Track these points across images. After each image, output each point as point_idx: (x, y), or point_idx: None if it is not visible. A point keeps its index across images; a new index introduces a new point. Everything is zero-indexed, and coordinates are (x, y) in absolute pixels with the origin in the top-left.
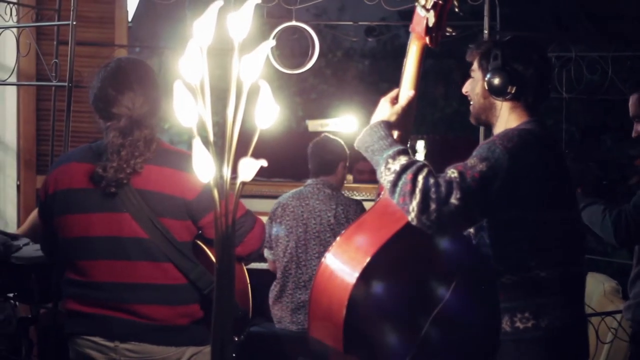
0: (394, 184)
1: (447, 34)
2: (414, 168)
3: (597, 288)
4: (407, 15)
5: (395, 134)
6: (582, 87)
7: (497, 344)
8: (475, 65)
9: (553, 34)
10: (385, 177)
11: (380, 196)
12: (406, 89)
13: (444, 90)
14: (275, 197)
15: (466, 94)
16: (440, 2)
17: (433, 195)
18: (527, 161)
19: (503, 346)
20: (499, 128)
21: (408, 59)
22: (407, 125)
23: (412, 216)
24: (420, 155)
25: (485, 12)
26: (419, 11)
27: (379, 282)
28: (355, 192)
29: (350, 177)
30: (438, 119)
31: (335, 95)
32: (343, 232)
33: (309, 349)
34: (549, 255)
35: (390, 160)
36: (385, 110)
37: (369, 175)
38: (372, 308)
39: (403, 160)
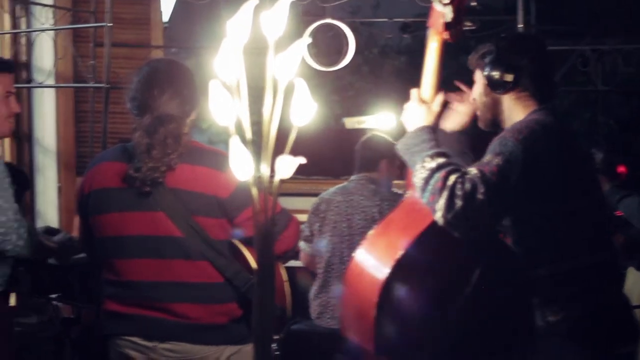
0: (427, 181)
1: (467, 28)
2: (449, 168)
3: (638, 282)
4: None
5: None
6: (618, 80)
7: (527, 339)
8: (477, 71)
9: (588, 26)
10: (419, 174)
11: (407, 194)
12: (430, 88)
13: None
14: (314, 194)
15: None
16: None
17: (459, 192)
18: (539, 150)
19: (539, 342)
20: (507, 123)
21: (428, 55)
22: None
23: (438, 215)
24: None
25: (520, 6)
26: (437, 6)
27: (409, 280)
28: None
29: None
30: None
31: (372, 92)
32: (374, 228)
33: (346, 346)
34: (574, 245)
35: (427, 159)
36: (423, 114)
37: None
38: (402, 307)
39: (440, 160)
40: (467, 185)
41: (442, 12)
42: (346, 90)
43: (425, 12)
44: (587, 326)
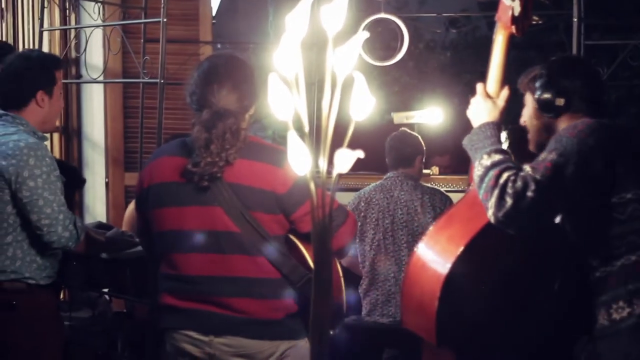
0: (482, 179)
1: (534, 22)
2: (503, 166)
3: None
4: (487, 7)
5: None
6: None
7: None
8: (527, 95)
9: (637, 20)
10: (477, 171)
11: (469, 188)
12: (495, 82)
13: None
14: (360, 189)
15: (524, 125)
16: None
17: (510, 191)
18: (596, 144)
19: (604, 341)
20: None
21: (494, 49)
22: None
23: (489, 213)
24: (503, 146)
25: (575, 0)
26: (505, 0)
27: (471, 273)
28: (441, 184)
29: (435, 169)
30: (519, 111)
31: (418, 87)
32: (435, 222)
33: (398, 340)
34: (636, 238)
35: (485, 156)
36: (489, 109)
37: (451, 168)
38: (464, 300)
39: (496, 157)
40: (518, 184)
41: (511, 5)
42: (392, 85)
43: (471, 6)
44: None
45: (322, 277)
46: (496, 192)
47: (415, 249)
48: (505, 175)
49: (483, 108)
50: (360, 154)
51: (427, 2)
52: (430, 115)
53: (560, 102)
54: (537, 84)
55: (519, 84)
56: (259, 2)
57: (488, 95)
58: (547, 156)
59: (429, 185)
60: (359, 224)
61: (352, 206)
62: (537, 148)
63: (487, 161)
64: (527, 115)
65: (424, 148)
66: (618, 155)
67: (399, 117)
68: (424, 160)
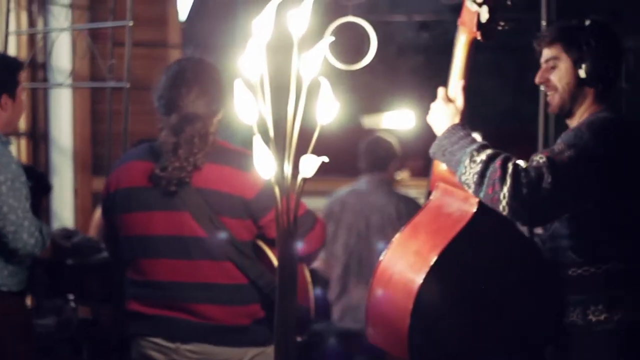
0: (482, 174)
1: (500, 28)
2: (502, 156)
3: None
4: (459, 10)
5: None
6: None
7: (552, 336)
8: (558, 54)
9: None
10: (471, 170)
11: (432, 196)
12: (457, 87)
13: (498, 84)
14: (331, 194)
15: (541, 84)
16: None
17: (524, 180)
18: (614, 146)
19: (574, 338)
20: (578, 116)
21: (456, 53)
22: None
23: (503, 204)
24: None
25: (543, 4)
26: (469, 5)
27: (443, 286)
28: (412, 187)
29: (406, 174)
30: (491, 113)
31: (389, 91)
32: (398, 234)
33: (370, 346)
34: (628, 246)
35: (475, 153)
36: (451, 112)
37: (424, 172)
38: (437, 314)
39: (489, 151)
40: (533, 174)
41: (477, 11)
42: (362, 89)
43: (442, 10)
44: (629, 330)
45: (287, 283)
46: (509, 181)
47: (380, 261)
48: (510, 165)
49: (444, 112)
50: (325, 158)
51: (399, 6)
52: (401, 118)
53: (612, 73)
54: (588, 55)
55: (543, 42)
56: (229, 6)
57: (449, 99)
58: (564, 150)
59: (403, 192)
60: (333, 227)
61: (326, 208)
62: (559, 111)
63: (481, 156)
64: (563, 81)
65: (398, 153)
66: (636, 160)
67: (369, 120)
68: (397, 165)
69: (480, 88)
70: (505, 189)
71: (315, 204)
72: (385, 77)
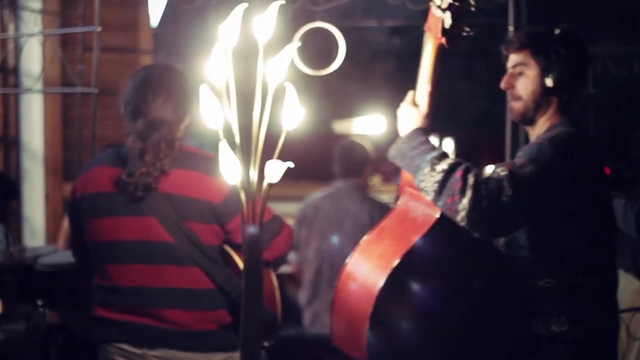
0: (442, 184)
1: (465, 34)
2: (463, 167)
3: (629, 285)
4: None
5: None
6: (611, 84)
7: (521, 346)
8: (526, 60)
9: (580, 29)
10: (431, 178)
11: (399, 201)
12: (424, 92)
13: (471, 89)
14: (302, 199)
15: (507, 89)
16: (456, 3)
17: (484, 193)
18: (576, 164)
19: (537, 349)
20: (539, 125)
21: (424, 58)
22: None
23: (462, 215)
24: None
25: (510, 10)
26: (435, 12)
27: (404, 290)
28: (384, 192)
29: (377, 179)
30: (466, 118)
31: (361, 96)
32: (363, 239)
33: (341, 351)
34: (588, 260)
35: (436, 161)
36: (415, 116)
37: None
38: (397, 318)
39: (450, 160)
40: (493, 187)
41: (441, 17)
42: (335, 94)
43: (414, 16)
44: (591, 342)
45: (253, 288)
46: (469, 193)
47: (344, 267)
48: (471, 176)
49: (408, 116)
50: (290, 164)
51: (372, 11)
52: (373, 123)
53: (578, 84)
54: (556, 64)
55: (510, 47)
56: (201, 12)
57: (414, 103)
58: (525, 164)
59: (376, 198)
60: (306, 231)
61: (300, 213)
62: (521, 119)
63: (442, 165)
64: (529, 89)
65: (372, 157)
66: (595, 178)
67: (340, 125)
68: (373, 169)
69: (454, 93)
70: (465, 201)
71: (289, 208)
72: (358, 82)
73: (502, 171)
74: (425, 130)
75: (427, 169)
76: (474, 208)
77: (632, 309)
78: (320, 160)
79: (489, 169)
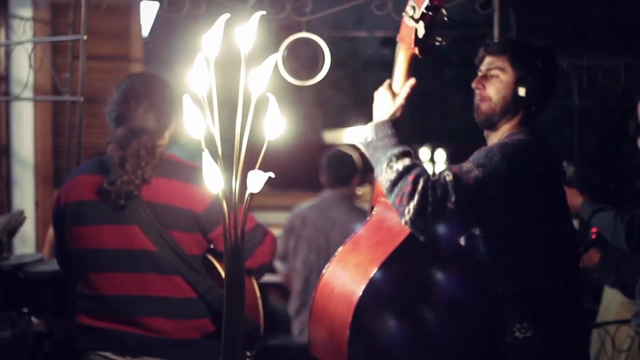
0: (394, 183)
1: (437, 44)
2: (417, 170)
3: (615, 299)
4: None
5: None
6: (599, 95)
7: (490, 355)
8: (504, 66)
9: (567, 41)
10: (385, 175)
11: (374, 211)
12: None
13: (463, 100)
14: (292, 208)
15: (477, 89)
16: (428, 13)
17: (430, 199)
18: (524, 170)
19: (503, 355)
20: (500, 133)
21: (396, 69)
22: (406, 125)
23: (406, 218)
24: (441, 165)
25: (495, 21)
26: (407, 22)
27: (382, 299)
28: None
29: (366, 189)
30: (458, 129)
31: (353, 106)
32: (340, 249)
33: None
34: (546, 266)
35: (393, 159)
36: (389, 105)
37: None
38: (376, 327)
39: (407, 161)
40: (438, 192)
41: (414, 27)
42: (327, 104)
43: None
44: (555, 346)
45: (234, 298)
46: (416, 198)
47: (321, 277)
48: (422, 181)
49: (383, 103)
50: (271, 174)
51: (364, 22)
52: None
53: (549, 96)
54: (532, 76)
55: (490, 50)
56: (192, 22)
57: (392, 91)
58: (472, 169)
59: (364, 208)
60: (293, 242)
61: (287, 223)
62: (485, 122)
63: (398, 165)
64: (500, 94)
65: (361, 167)
66: (546, 185)
67: (330, 135)
68: (362, 179)
69: (447, 104)
70: (411, 205)
71: (279, 218)
72: (349, 92)
73: (447, 175)
74: (396, 123)
75: (384, 165)
76: (418, 214)
77: (617, 322)
78: (311, 169)
79: (440, 171)
